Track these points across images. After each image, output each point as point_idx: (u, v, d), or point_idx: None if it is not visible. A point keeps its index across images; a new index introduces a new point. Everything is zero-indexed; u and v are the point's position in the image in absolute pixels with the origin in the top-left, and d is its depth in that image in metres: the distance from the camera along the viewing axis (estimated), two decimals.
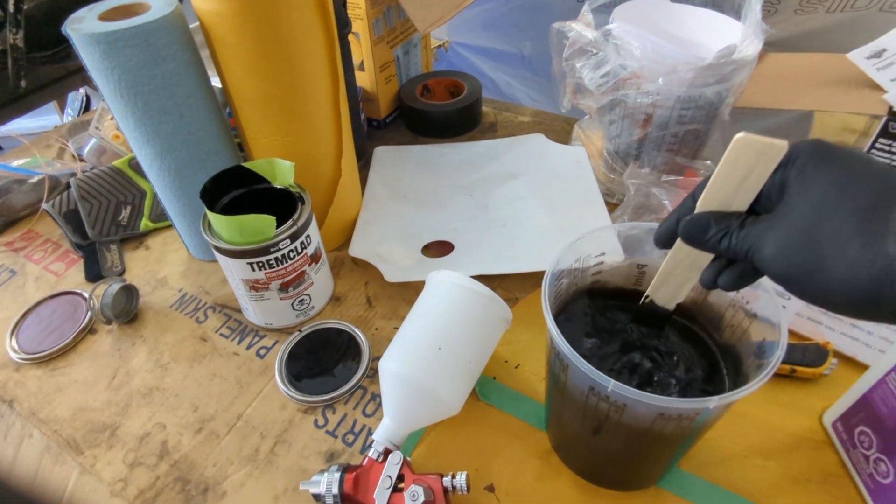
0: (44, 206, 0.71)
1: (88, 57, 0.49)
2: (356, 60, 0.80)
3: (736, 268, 0.33)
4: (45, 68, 1.19)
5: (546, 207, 0.66)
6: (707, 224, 0.32)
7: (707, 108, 0.58)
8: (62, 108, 1.70)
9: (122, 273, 0.67)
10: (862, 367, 0.48)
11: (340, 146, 0.61)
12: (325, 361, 0.55)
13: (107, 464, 0.50)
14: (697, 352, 0.41)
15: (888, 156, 0.58)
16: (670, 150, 0.62)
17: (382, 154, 0.80)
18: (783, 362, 0.50)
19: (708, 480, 0.44)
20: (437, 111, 0.83)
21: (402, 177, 0.76)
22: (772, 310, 0.35)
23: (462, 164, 0.77)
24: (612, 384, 0.31)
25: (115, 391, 0.55)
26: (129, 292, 0.61)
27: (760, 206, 0.31)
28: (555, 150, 0.76)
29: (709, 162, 0.62)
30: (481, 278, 0.48)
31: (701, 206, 0.32)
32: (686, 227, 0.33)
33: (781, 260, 0.28)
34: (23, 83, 1.05)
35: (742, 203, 0.31)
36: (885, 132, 0.57)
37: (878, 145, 0.58)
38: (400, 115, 0.90)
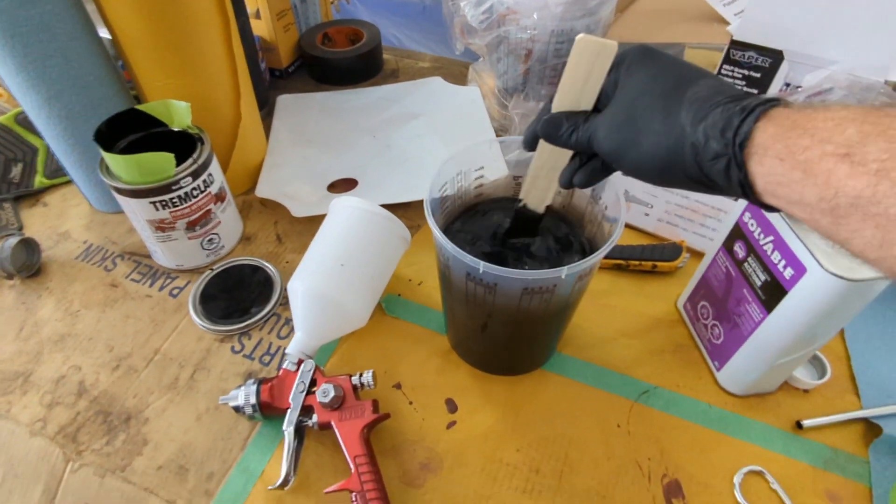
0: None
1: None
2: (251, 8, 0.79)
3: (587, 166, 0.39)
4: None
5: (444, 143, 0.70)
6: (560, 122, 0.37)
7: None
8: None
9: (19, 230, 0.66)
10: None
11: (238, 88, 0.63)
12: (239, 294, 0.58)
13: (23, 407, 0.51)
14: (565, 245, 0.47)
15: (731, 80, 0.67)
16: (552, 83, 0.68)
17: (286, 102, 0.82)
18: (646, 260, 0.58)
19: (583, 360, 0.52)
20: (338, 58, 0.85)
21: (307, 123, 0.78)
22: (616, 209, 0.42)
23: (365, 109, 0.80)
24: (482, 265, 0.37)
25: (24, 341, 0.56)
26: (29, 246, 0.61)
27: (602, 105, 0.36)
28: (451, 91, 0.80)
29: None
30: (385, 208, 0.52)
31: (555, 107, 0.37)
32: (543, 126, 0.37)
33: (608, 139, 0.34)
34: None
35: (588, 102, 0.36)
36: (727, 59, 0.66)
37: (723, 71, 0.67)
38: (302, 65, 0.91)
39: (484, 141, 0.46)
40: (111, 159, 0.51)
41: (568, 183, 0.40)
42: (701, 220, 0.59)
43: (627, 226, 0.63)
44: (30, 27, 0.50)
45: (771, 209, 0.28)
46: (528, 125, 0.40)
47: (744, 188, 0.28)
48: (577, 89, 0.36)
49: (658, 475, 0.45)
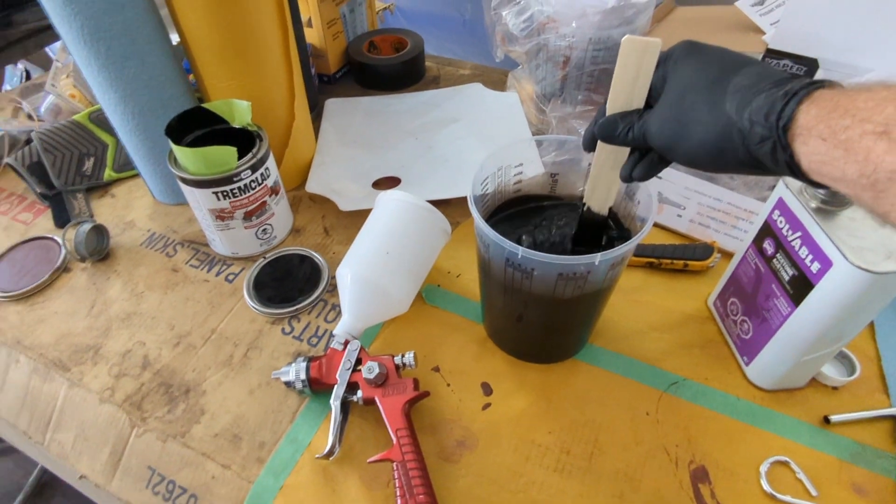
0: (7, 160, 0.74)
1: (50, 4, 0.53)
2: (304, 17, 0.85)
3: (645, 160, 0.40)
4: None
5: (482, 145, 0.74)
6: (615, 122, 0.39)
7: (616, 49, 0.66)
8: None
9: (91, 218, 0.71)
10: None
11: (293, 91, 0.67)
12: (288, 281, 0.62)
13: (94, 377, 0.56)
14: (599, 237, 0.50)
15: None
16: (588, 89, 0.70)
17: (333, 105, 0.86)
18: (677, 259, 0.59)
19: (615, 351, 0.54)
20: (383, 65, 0.89)
21: (353, 125, 0.82)
22: (647, 208, 0.44)
23: (407, 112, 0.84)
24: (521, 250, 0.40)
25: (94, 318, 0.61)
26: (100, 232, 0.66)
27: (653, 101, 0.37)
28: (490, 96, 0.83)
29: None
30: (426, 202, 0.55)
31: (609, 109, 0.39)
32: (600, 128, 0.40)
33: (660, 133, 0.36)
34: None
35: (639, 100, 0.38)
36: None
37: None
38: (349, 71, 0.96)
39: (524, 139, 0.50)
40: (180, 152, 0.56)
41: (628, 177, 0.41)
42: (733, 221, 0.61)
43: (660, 226, 0.65)
44: (113, 32, 0.55)
45: (820, 186, 0.30)
46: (586, 129, 0.42)
47: (791, 168, 0.30)
48: (627, 89, 0.38)
49: (685, 461, 0.46)
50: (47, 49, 1.39)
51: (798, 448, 0.47)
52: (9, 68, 1.66)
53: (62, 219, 0.71)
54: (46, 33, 1.26)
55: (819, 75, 0.62)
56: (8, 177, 0.78)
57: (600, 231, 0.47)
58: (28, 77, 1.58)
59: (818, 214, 0.41)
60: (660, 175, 0.63)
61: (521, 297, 0.46)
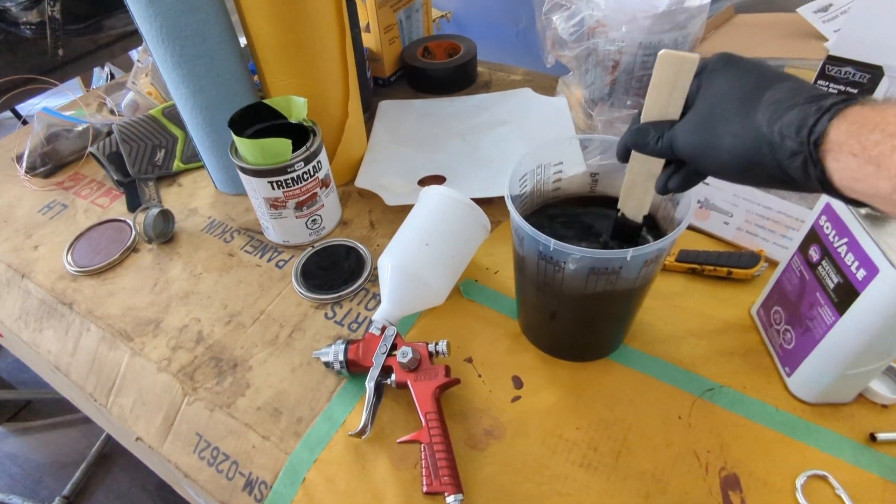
0: (90, 148, 0.81)
1: (135, 5, 0.59)
2: (363, 22, 0.89)
3: (681, 172, 0.40)
4: (78, 40, 1.30)
5: (527, 146, 0.74)
6: (646, 131, 0.39)
7: None
8: (87, 85, 1.82)
9: (159, 203, 0.77)
10: None
11: (347, 91, 0.71)
12: (334, 270, 0.65)
13: (153, 348, 0.60)
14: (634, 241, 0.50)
15: None
16: (637, 94, 0.70)
17: (386, 107, 0.90)
18: (721, 266, 0.58)
19: (649, 354, 0.54)
20: (436, 69, 0.92)
21: (404, 125, 0.85)
22: (685, 210, 0.44)
23: (457, 115, 0.86)
24: (552, 242, 0.40)
25: (157, 295, 0.66)
26: (166, 216, 0.72)
27: (687, 111, 0.37)
28: (539, 101, 0.84)
29: None
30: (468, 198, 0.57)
31: (644, 118, 0.40)
32: (631, 136, 0.40)
33: (686, 142, 0.36)
34: (60, 52, 1.16)
35: (675, 112, 0.38)
36: (822, 74, 0.65)
37: (817, 85, 0.66)
38: (403, 75, 0.99)
39: (564, 137, 0.50)
40: (240, 143, 0.60)
41: (663, 188, 0.41)
42: (783, 231, 0.59)
43: (706, 233, 0.64)
44: (188, 32, 0.60)
45: (853, 203, 0.30)
46: (621, 138, 0.42)
47: (823, 184, 0.29)
48: (662, 100, 0.38)
49: (716, 467, 0.45)
50: (130, 53, 1.50)
51: (839, 464, 0.45)
52: (96, 70, 1.81)
53: (134, 204, 0.77)
54: (131, 38, 1.36)
55: (884, 84, 0.60)
56: (90, 165, 0.86)
57: (635, 236, 0.47)
58: (112, 78, 1.72)
59: (867, 221, 0.40)
60: (707, 181, 0.63)
61: (554, 293, 0.46)
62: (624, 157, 0.42)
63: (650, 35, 0.64)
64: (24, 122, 0.85)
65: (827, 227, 0.44)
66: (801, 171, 0.30)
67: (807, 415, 0.48)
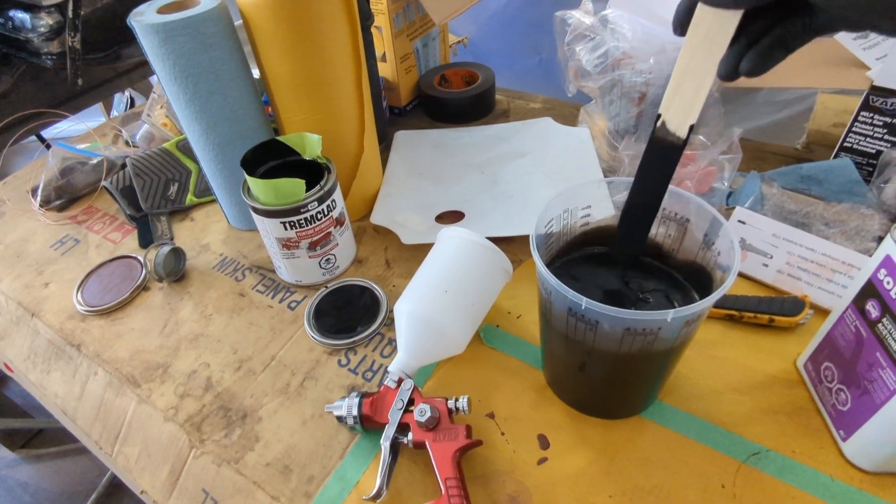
0: (104, 182, 0.80)
1: (148, 44, 0.57)
2: (378, 52, 0.87)
3: (758, 46, 0.31)
4: (97, 69, 1.31)
5: (550, 181, 0.71)
6: None
7: None
8: (108, 110, 1.85)
9: (171, 240, 0.76)
10: None
11: (363, 125, 0.68)
12: (348, 311, 0.62)
13: (160, 395, 0.58)
14: (674, 291, 0.46)
15: (870, 128, 0.62)
16: None
17: (402, 137, 0.87)
18: (762, 313, 0.54)
19: (687, 412, 0.50)
20: (453, 98, 0.89)
21: (420, 157, 0.82)
22: (729, 256, 0.40)
23: (475, 146, 0.83)
24: (584, 301, 0.37)
25: (166, 337, 0.63)
26: (178, 254, 0.70)
27: None
28: (560, 131, 0.81)
29: (701, 137, 0.67)
30: (489, 241, 0.54)
31: None
32: None
33: None
34: (79, 81, 1.17)
35: None
36: (866, 105, 0.61)
37: (860, 118, 0.62)
38: (419, 104, 0.97)
39: (593, 181, 0.47)
40: (253, 183, 0.58)
41: (732, 71, 0.33)
42: (829, 275, 0.55)
43: (743, 276, 0.60)
44: (202, 69, 0.59)
45: None
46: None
47: None
48: None
49: None
50: (151, 79, 1.52)
51: None
52: (117, 95, 1.83)
53: (146, 239, 0.76)
54: (149, 66, 1.37)
55: None
56: (104, 197, 0.85)
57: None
58: (132, 104, 1.74)
59: None
60: (743, 220, 0.59)
61: (584, 349, 0.43)
62: (684, 20, 0.32)
63: None
64: (48, 146, 0.84)
65: (888, 283, 0.39)
66: None
67: (866, 485, 0.43)
